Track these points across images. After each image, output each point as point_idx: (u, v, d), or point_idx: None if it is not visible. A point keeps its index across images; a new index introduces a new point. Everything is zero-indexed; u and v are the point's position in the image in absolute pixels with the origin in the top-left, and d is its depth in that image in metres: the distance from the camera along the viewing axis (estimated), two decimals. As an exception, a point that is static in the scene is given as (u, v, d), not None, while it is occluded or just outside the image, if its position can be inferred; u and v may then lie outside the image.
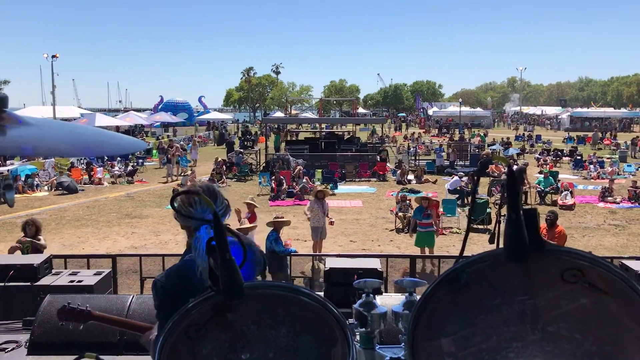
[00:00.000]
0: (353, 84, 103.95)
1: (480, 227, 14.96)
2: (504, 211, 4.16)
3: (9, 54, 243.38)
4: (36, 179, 21.92)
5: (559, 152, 31.62)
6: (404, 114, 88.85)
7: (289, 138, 33.93)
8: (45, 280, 6.71)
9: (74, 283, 6.66)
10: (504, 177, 21.79)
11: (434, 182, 22.94)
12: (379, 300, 5.04)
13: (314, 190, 14.44)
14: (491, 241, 4.61)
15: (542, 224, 9.27)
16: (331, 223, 12.13)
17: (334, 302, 4.69)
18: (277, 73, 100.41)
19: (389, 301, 3.95)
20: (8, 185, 18.52)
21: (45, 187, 21.80)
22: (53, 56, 48.97)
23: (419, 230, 11.36)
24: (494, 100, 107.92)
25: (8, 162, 25.99)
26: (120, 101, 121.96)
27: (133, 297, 5.17)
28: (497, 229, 4.43)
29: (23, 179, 21.50)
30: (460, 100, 69.90)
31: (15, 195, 19.48)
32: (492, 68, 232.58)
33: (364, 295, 2.29)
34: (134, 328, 2.90)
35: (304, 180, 20.24)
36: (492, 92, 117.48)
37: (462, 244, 1.55)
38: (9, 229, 14.58)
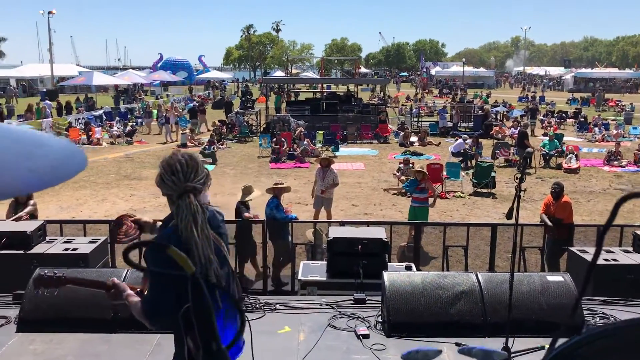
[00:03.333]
0: (355, 42, 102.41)
1: (485, 191, 14.73)
2: (523, 185, 3.73)
3: (5, 10, 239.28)
4: (33, 139, 21.54)
5: (564, 114, 31.10)
6: (406, 74, 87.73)
7: (290, 98, 33.32)
8: (39, 249, 6.49)
9: (69, 252, 6.43)
10: (508, 140, 21.44)
11: (437, 145, 22.57)
12: (385, 276, 4.81)
13: (317, 156, 14.00)
14: (509, 217, 4.35)
15: (548, 196, 8.95)
16: (322, 192, 11.27)
17: (337, 272, 4.42)
18: (278, 31, 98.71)
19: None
20: None
21: (42, 148, 21.45)
22: (49, 12, 47.94)
23: (412, 204, 10.49)
24: (497, 60, 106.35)
25: (5, 121, 25.58)
26: (119, 59, 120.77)
27: (128, 271, 4.93)
28: (515, 203, 4.16)
29: (20, 139, 21.11)
30: (463, 60, 68.71)
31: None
32: (496, 27, 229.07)
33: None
34: (98, 285, 2.86)
35: (305, 142, 19.87)
36: (496, 52, 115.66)
37: (582, 289, 1.00)
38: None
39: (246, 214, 8.52)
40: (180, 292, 2.09)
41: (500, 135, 23.16)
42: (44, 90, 45.01)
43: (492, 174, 14.90)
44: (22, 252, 6.34)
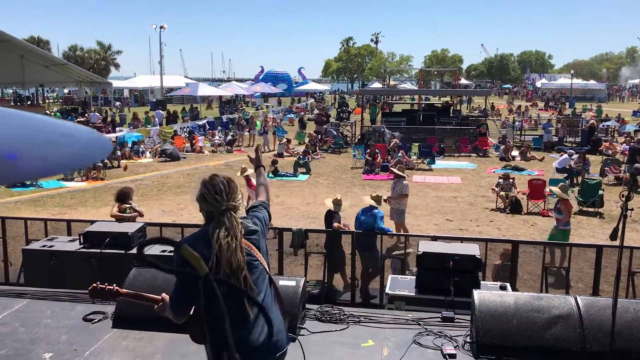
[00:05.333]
0: (456, 53, 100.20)
1: (591, 210, 13.82)
2: (633, 204, 3.38)
3: (121, 25, 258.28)
4: (142, 146, 22.90)
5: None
6: (509, 86, 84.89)
7: (385, 110, 33.20)
8: (138, 249, 6.81)
9: (166, 253, 6.69)
10: (619, 156, 20.05)
11: (541, 160, 21.53)
12: (476, 295, 4.59)
13: (412, 168, 13.69)
14: (613, 238, 4.01)
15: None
16: (385, 201, 10.73)
17: (427, 288, 4.26)
18: (377, 43, 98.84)
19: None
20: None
21: (149, 154, 22.74)
22: (161, 27, 50.92)
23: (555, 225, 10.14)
24: (610, 73, 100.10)
25: (117, 128, 27.38)
26: (224, 71, 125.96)
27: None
28: (620, 223, 3.82)
29: (130, 145, 22.52)
30: (572, 71, 65.32)
31: (122, 161, 20.43)
32: (609, 37, 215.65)
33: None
34: (150, 300, 3.14)
35: (400, 154, 19.64)
36: (608, 64, 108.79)
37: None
38: (112, 193, 15.25)
39: (336, 224, 8.49)
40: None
41: (610, 152, 21.72)
42: (154, 100, 47.80)
43: (600, 192, 13.95)
44: (122, 251, 6.69)
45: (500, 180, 14.58)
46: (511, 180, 14.48)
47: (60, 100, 53.43)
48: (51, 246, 7.02)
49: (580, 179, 16.50)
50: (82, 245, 6.90)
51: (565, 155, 17.99)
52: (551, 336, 4.10)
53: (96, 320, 4.95)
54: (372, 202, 8.77)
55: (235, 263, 2.64)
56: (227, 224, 2.67)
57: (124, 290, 3.28)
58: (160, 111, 34.34)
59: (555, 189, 10.45)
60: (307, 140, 24.04)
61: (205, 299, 1.11)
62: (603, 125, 28.79)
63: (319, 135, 24.84)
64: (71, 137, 1.45)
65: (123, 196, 8.81)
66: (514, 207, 13.82)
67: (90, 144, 1.52)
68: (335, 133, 25.17)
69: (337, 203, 8.89)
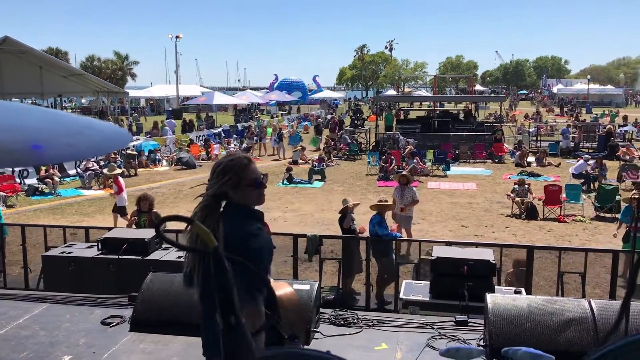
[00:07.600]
0: (471, 60, 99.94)
1: (608, 215, 13.70)
2: None
3: (137, 36, 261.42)
4: (158, 154, 23.13)
5: None
6: (525, 92, 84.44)
7: (400, 117, 33.20)
8: (155, 255, 6.90)
9: (181, 259, 6.77)
10: (638, 162, 19.84)
11: (557, 166, 21.39)
12: (489, 298, 4.59)
13: (426, 175, 13.70)
14: (625, 240, 4.02)
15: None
16: (402, 210, 11.05)
17: (441, 293, 4.28)
18: (391, 50, 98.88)
19: None
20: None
21: (165, 162, 22.95)
22: (177, 37, 51.43)
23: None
24: (628, 77, 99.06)
25: (134, 137, 27.64)
26: (239, 80, 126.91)
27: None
28: (634, 225, 3.83)
29: (146, 154, 22.75)
30: (588, 77, 64.80)
31: (139, 170, 20.66)
32: (626, 42, 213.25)
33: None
34: None
35: (414, 160, 19.64)
36: (626, 69, 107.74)
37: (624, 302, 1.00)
38: (132, 201, 15.40)
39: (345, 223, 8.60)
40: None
41: (627, 157, 21.52)
42: (170, 109, 48.17)
43: (617, 197, 13.84)
44: (140, 257, 6.79)
45: (516, 186, 14.53)
46: (527, 186, 14.43)
47: (79, 110, 54.08)
48: (70, 252, 7.13)
49: (597, 184, 16.38)
50: (100, 252, 7.01)
51: (582, 161, 17.87)
52: (565, 339, 4.10)
53: (114, 324, 5.03)
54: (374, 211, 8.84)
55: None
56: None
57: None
58: (172, 120, 34.55)
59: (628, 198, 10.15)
60: (321, 145, 24.18)
61: (215, 271, 1.19)
62: (620, 131, 28.53)
63: (333, 142, 24.92)
64: (94, 130, 1.65)
65: (138, 202, 9.00)
66: (530, 213, 13.76)
67: (111, 135, 1.73)
68: (349, 140, 25.23)
69: (344, 202, 9.04)
